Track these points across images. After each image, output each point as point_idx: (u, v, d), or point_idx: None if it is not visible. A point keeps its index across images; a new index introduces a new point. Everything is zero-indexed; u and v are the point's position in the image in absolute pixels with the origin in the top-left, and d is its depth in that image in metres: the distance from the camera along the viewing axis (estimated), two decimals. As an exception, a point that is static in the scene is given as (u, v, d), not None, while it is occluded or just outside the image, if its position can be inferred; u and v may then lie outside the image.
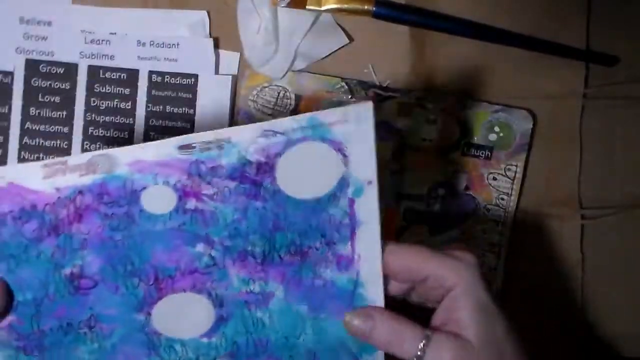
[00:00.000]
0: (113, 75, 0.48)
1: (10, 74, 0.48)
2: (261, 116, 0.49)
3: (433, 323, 0.35)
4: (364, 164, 0.34)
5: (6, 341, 0.33)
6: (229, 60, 0.49)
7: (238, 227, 0.34)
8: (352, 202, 0.34)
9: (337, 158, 0.33)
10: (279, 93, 0.48)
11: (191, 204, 0.33)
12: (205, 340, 0.35)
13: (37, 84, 0.48)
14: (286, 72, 0.48)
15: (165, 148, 0.32)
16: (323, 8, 0.47)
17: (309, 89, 0.48)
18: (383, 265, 0.35)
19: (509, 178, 0.49)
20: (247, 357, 0.36)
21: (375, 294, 0.35)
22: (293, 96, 0.48)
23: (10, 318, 0.33)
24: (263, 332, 0.35)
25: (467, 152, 0.49)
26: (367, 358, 0.36)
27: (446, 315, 0.34)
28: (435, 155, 0.49)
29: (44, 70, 0.48)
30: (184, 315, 0.35)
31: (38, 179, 0.32)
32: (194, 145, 0.32)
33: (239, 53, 0.49)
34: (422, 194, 0.49)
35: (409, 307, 0.37)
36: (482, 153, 0.49)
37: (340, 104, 0.48)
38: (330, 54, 0.48)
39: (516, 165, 0.49)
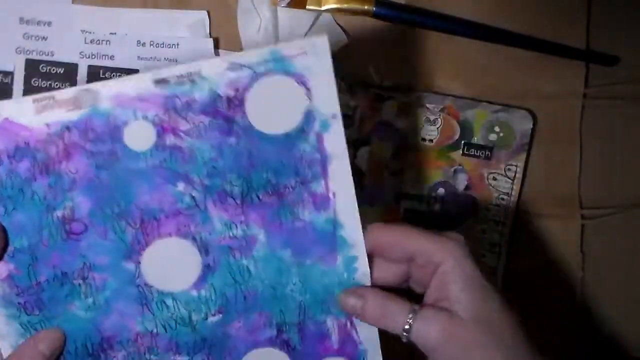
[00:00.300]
0: (113, 75, 0.48)
1: (10, 74, 0.48)
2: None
3: (426, 301, 0.36)
4: (327, 97, 0.35)
5: (8, 296, 0.35)
6: (229, 60, 0.49)
7: (215, 165, 0.35)
8: (320, 137, 0.35)
9: (301, 91, 0.34)
10: (279, 93, 0.48)
11: (170, 140, 0.34)
12: (194, 293, 0.36)
13: (37, 84, 0.48)
14: (286, 72, 0.48)
15: (142, 82, 0.33)
16: (323, 8, 0.47)
17: (309, 89, 0.48)
18: (368, 241, 0.36)
19: (509, 178, 0.49)
20: (237, 313, 0.37)
21: (355, 237, 0.36)
22: (293, 96, 0.48)
23: (9, 267, 0.34)
24: (250, 283, 0.37)
25: (467, 152, 0.49)
26: None
27: (438, 292, 0.35)
28: (435, 155, 0.49)
29: (44, 70, 0.48)
30: (171, 264, 0.36)
31: (30, 114, 0.33)
32: (168, 79, 0.34)
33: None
34: (422, 194, 0.49)
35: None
36: (482, 153, 0.49)
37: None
38: (330, 54, 0.48)
39: (516, 165, 0.49)
